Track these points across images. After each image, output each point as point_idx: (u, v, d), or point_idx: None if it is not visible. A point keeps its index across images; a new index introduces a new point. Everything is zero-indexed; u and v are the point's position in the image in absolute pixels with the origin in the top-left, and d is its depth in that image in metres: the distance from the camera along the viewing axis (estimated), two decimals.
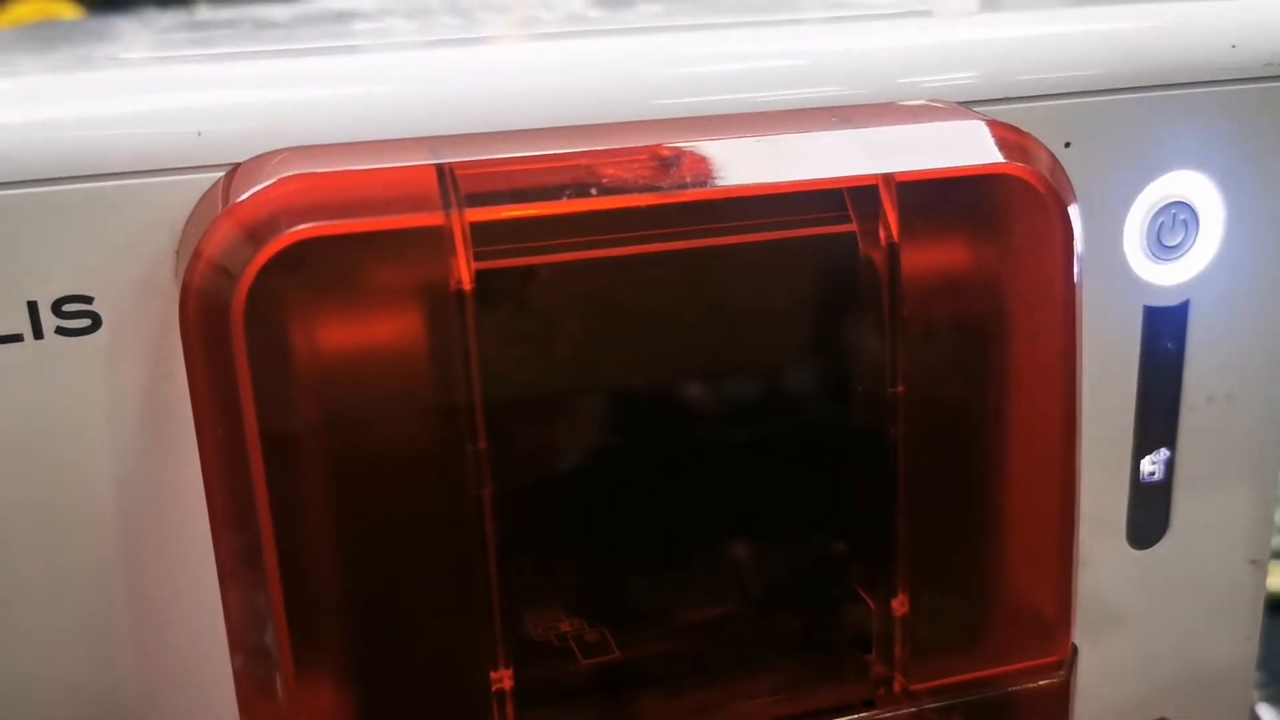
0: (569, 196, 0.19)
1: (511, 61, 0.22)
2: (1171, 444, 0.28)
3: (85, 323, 0.20)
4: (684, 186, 0.20)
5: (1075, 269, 0.22)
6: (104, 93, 0.20)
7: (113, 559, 0.22)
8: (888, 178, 0.21)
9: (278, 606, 0.19)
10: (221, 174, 0.20)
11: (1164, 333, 0.27)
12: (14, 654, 0.22)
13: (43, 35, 0.37)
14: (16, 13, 1.05)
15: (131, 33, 0.34)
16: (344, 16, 0.36)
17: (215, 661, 0.22)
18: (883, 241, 0.21)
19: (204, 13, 0.55)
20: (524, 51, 0.23)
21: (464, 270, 0.19)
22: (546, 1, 0.39)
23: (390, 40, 0.26)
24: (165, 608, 0.22)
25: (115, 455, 0.21)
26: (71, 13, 1.02)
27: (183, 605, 0.22)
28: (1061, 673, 0.24)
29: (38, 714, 0.22)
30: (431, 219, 0.19)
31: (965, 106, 0.23)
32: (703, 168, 0.20)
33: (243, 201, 0.19)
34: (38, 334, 0.20)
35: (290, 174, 0.19)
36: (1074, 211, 0.22)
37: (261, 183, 0.19)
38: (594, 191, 0.19)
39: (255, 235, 0.18)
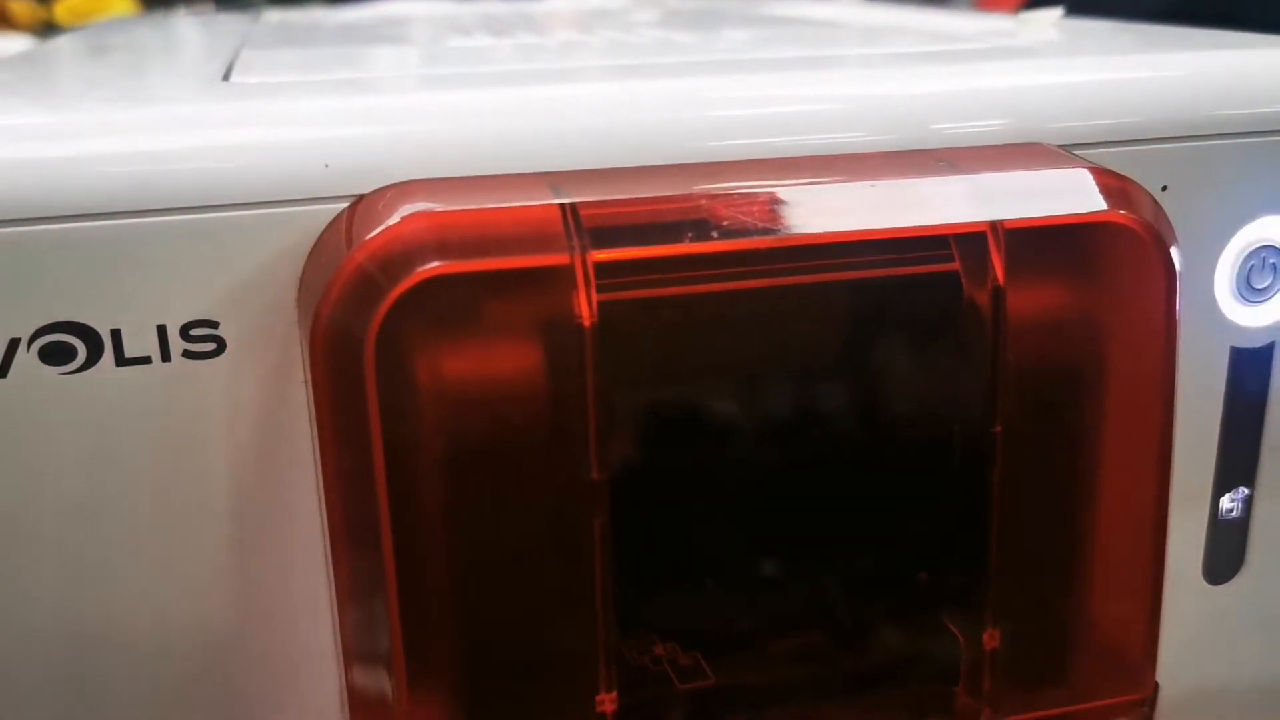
0: (692, 239, 0.20)
1: (623, 98, 0.23)
2: (1251, 483, 0.28)
3: (210, 346, 0.21)
4: (799, 230, 0.20)
5: (1175, 312, 0.23)
6: (234, 124, 0.21)
7: (225, 568, 0.22)
8: (995, 225, 0.21)
9: (395, 625, 0.20)
10: (345, 204, 0.21)
11: (1249, 373, 0.27)
12: (128, 663, 0.22)
13: (118, 47, 0.37)
14: (70, 3, 1.06)
15: (220, 47, 0.35)
16: (434, 31, 0.37)
17: (319, 674, 0.23)
18: (988, 285, 0.21)
19: (273, 16, 0.56)
20: (632, 88, 0.24)
21: (586, 307, 0.20)
22: (624, 21, 0.39)
23: (494, 67, 0.26)
24: (278, 627, 0.23)
25: (232, 473, 0.22)
26: (124, 5, 1.03)
27: (290, 617, 0.23)
28: (1144, 710, 0.24)
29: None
30: (558, 259, 0.19)
31: (1068, 150, 0.24)
32: (817, 212, 0.21)
33: (375, 236, 0.19)
34: (165, 357, 0.21)
35: (418, 210, 0.19)
36: (1175, 256, 0.22)
37: (389, 218, 0.20)
38: (715, 235, 0.20)
39: (389, 270, 0.19)
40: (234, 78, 0.26)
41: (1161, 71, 0.25)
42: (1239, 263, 0.26)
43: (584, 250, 0.19)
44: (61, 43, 0.38)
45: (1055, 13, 0.35)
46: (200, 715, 0.23)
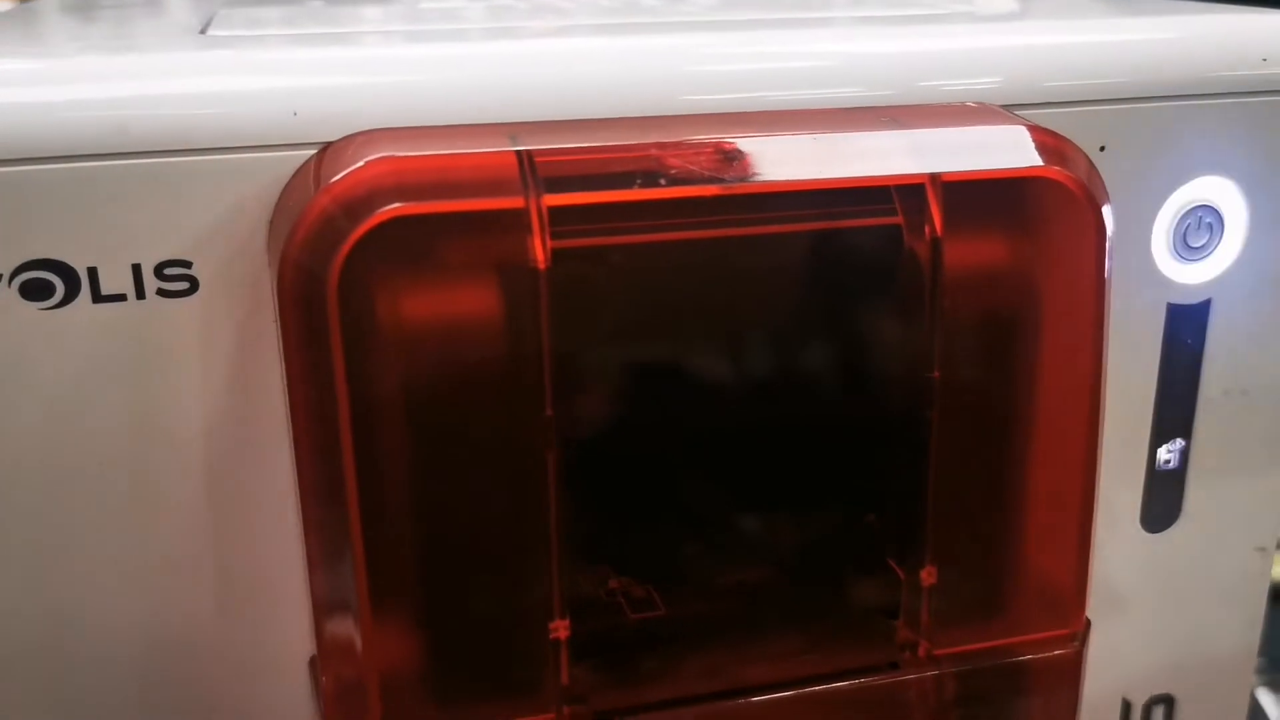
0: (640, 185, 0.21)
1: (583, 53, 0.24)
2: (1187, 434, 0.29)
3: (184, 286, 0.22)
4: (744, 179, 0.21)
5: (1106, 268, 0.24)
6: (208, 72, 0.22)
7: (198, 502, 0.23)
8: (934, 176, 0.22)
9: (358, 550, 0.21)
10: (313, 152, 0.22)
11: (1185, 329, 0.28)
12: (97, 589, 0.23)
13: (103, 5, 0.38)
14: None
15: (202, 7, 0.36)
16: None
17: (288, 605, 0.24)
18: (927, 236, 0.23)
19: None
20: (592, 44, 0.25)
21: (540, 250, 0.21)
22: None
23: (464, 25, 0.27)
24: (245, 552, 0.24)
25: (206, 407, 0.23)
26: None
27: (261, 552, 0.24)
28: (1075, 644, 0.26)
29: (116, 650, 0.24)
30: (512, 202, 0.20)
31: (1007, 110, 0.25)
32: (763, 162, 0.22)
33: (339, 180, 0.20)
34: (140, 295, 0.22)
35: (381, 156, 0.20)
36: (1107, 214, 0.24)
37: (355, 163, 0.21)
38: (663, 181, 0.21)
39: (351, 212, 0.20)
40: (211, 31, 0.26)
41: (1102, 36, 0.26)
42: (1176, 221, 0.27)
43: (538, 194, 0.20)
44: (46, 2, 0.38)
45: None
46: (180, 632, 0.24)
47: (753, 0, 0.34)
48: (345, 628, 0.22)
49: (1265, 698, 0.54)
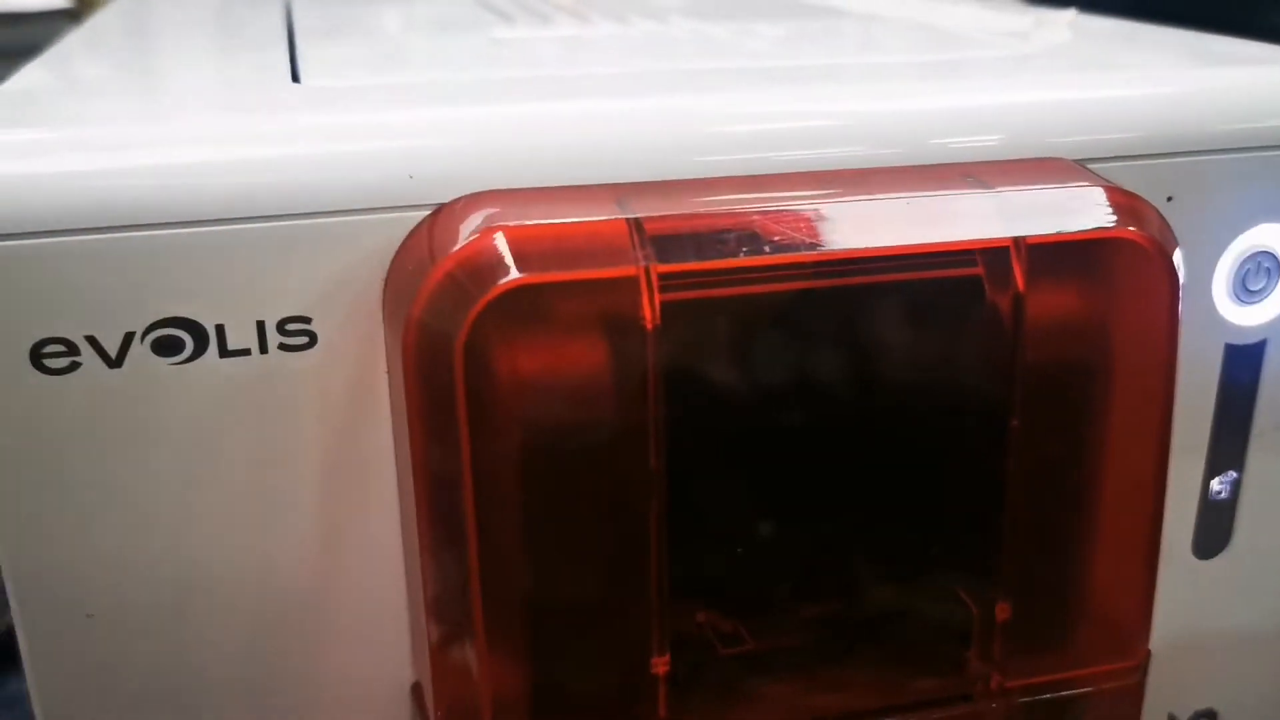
0: (746, 255, 0.22)
1: (678, 112, 0.25)
2: (1240, 467, 0.30)
3: (304, 340, 0.23)
4: (841, 245, 0.22)
5: (1176, 317, 0.25)
6: (328, 138, 0.23)
7: (310, 538, 0.24)
8: (1018, 240, 0.23)
9: (475, 595, 0.22)
10: (427, 212, 0.23)
11: (1241, 367, 0.29)
12: (219, 625, 0.25)
13: (163, 26, 0.39)
14: None
15: (263, 29, 0.36)
16: (471, 14, 0.38)
17: (388, 634, 0.25)
18: (1010, 292, 0.24)
19: None
20: (686, 103, 0.26)
21: (648, 311, 0.22)
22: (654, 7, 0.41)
23: (553, 72, 0.28)
24: (349, 585, 0.25)
25: (320, 452, 0.24)
26: None
27: (365, 584, 0.25)
28: (1137, 675, 0.27)
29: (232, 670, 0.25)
30: (626, 271, 0.21)
31: (1081, 164, 0.26)
32: (858, 227, 0.23)
33: (462, 249, 0.21)
34: (263, 349, 0.23)
35: (501, 224, 0.22)
36: (1178, 265, 0.25)
37: (471, 228, 0.22)
38: (767, 250, 0.22)
39: (476, 281, 0.21)
40: (305, 79, 0.27)
41: (1168, 88, 0.27)
42: (1236, 266, 0.28)
43: (649, 262, 0.22)
44: (108, 20, 0.39)
45: (1070, 14, 0.37)
46: (285, 659, 0.25)
47: (812, 32, 0.35)
48: (461, 659, 0.23)
49: None
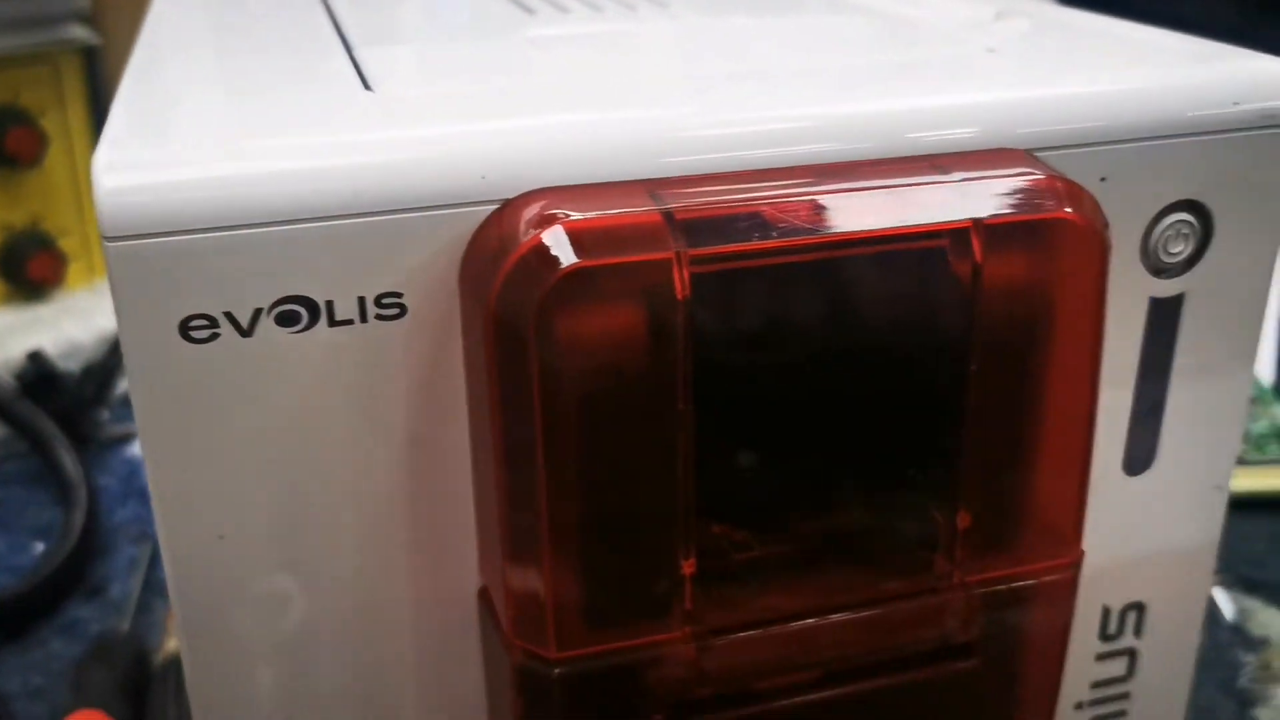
0: (756, 239, 0.27)
1: (703, 116, 0.30)
2: (1163, 397, 0.36)
3: (396, 311, 0.28)
4: (835, 229, 0.28)
5: (1105, 282, 0.30)
6: (418, 145, 0.28)
7: (399, 480, 0.30)
8: (977, 221, 0.29)
9: (543, 514, 0.28)
10: (494, 207, 0.28)
11: (1164, 317, 0.35)
12: (321, 554, 0.30)
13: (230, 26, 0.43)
14: None
15: (309, 30, 0.41)
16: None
17: (460, 550, 0.31)
18: (969, 262, 0.29)
19: None
20: (705, 103, 0.31)
21: (679, 285, 0.27)
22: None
23: (601, 78, 0.33)
24: (432, 503, 0.30)
25: (408, 406, 0.29)
26: None
27: (447, 501, 0.31)
28: (1071, 571, 0.33)
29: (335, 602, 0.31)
30: (664, 254, 0.27)
31: (1031, 154, 0.31)
32: (849, 213, 0.28)
33: (531, 239, 0.26)
34: (364, 319, 0.28)
35: (563, 218, 0.27)
36: (1108, 240, 0.30)
37: (536, 221, 0.27)
38: (774, 234, 0.27)
39: (545, 265, 0.26)
40: (376, 89, 0.32)
41: (1107, 86, 0.33)
42: (1159, 233, 0.34)
43: (680, 246, 0.27)
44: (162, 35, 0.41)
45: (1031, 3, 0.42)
46: (376, 566, 0.31)
47: (808, 30, 0.40)
48: (529, 569, 0.28)
49: (1220, 595, 0.62)
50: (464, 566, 0.31)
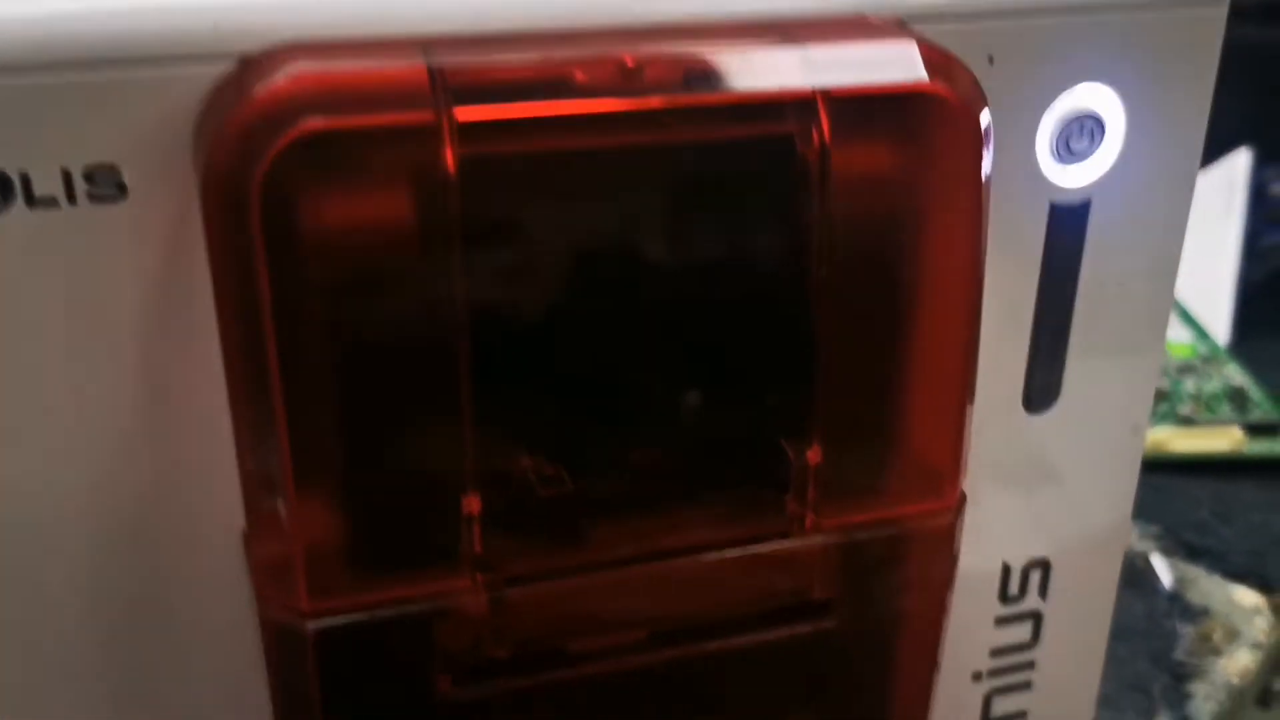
0: (545, 98, 0.22)
1: None
2: (1067, 322, 0.32)
3: (113, 191, 0.23)
4: (646, 93, 0.23)
5: (983, 174, 0.26)
6: None
7: (135, 389, 0.25)
8: (824, 92, 0.24)
9: (283, 440, 0.23)
10: (233, 64, 0.23)
11: (1067, 226, 0.30)
12: (43, 470, 0.25)
13: None
14: None
15: None
16: None
17: (220, 494, 0.26)
18: (815, 144, 0.24)
19: None
20: None
21: (450, 161, 0.22)
22: None
23: None
24: (180, 436, 0.25)
25: (141, 301, 0.24)
26: None
27: (190, 445, 0.26)
28: (950, 516, 0.28)
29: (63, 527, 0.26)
30: (425, 116, 0.22)
31: (902, 23, 0.26)
32: (664, 77, 0.23)
33: (258, 95, 0.21)
34: (71, 199, 0.23)
35: (300, 70, 0.22)
36: (986, 127, 0.25)
37: (275, 77, 0.22)
38: (571, 101, 0.22)
39: (272, 126, 0.21)
40: None
41: None
42: (1059, 127, 0.29)
43: (448, 107, 0.22)
44: None
45: None
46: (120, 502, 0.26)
47: None
48: (272, 505, 0.24)
49: (1158, 562, 0.58)
50: (229, 506, 0.27)
